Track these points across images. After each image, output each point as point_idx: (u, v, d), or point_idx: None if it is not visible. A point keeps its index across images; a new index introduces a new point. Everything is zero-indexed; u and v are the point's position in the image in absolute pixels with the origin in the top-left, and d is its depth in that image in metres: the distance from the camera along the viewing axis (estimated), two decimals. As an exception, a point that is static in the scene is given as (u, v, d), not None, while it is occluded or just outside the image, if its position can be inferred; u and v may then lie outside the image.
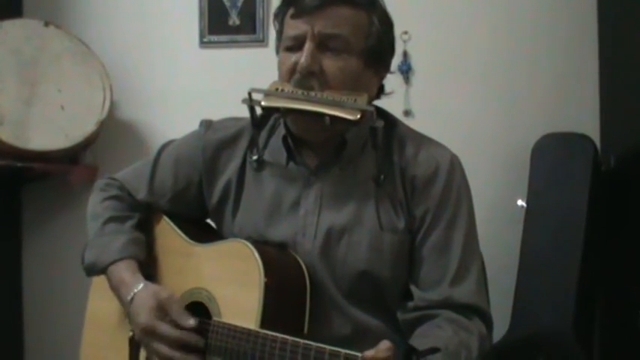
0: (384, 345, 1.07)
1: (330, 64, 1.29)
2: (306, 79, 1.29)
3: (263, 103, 1.30)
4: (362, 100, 1.27)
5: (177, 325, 1.29)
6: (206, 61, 2.75)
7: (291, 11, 1.33)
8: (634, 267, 2.18)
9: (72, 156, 2.57)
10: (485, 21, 2.63)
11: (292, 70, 1.31)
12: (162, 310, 1.31)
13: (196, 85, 2.72)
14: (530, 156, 2.42)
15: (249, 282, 1.24)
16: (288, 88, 1.29)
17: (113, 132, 2.69)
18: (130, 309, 1.35)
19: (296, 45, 1.31)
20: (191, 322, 1.29)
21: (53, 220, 2.77)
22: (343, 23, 1.29)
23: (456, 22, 2.64)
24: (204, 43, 2.75)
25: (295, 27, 1.31)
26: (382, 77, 1.41)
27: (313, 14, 1.29)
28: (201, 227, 1.53)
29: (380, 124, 1.28)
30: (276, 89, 1.30)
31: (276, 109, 1.30)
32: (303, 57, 1.28)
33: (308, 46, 1.28)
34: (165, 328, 1.28)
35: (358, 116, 1.24)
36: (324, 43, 1.29)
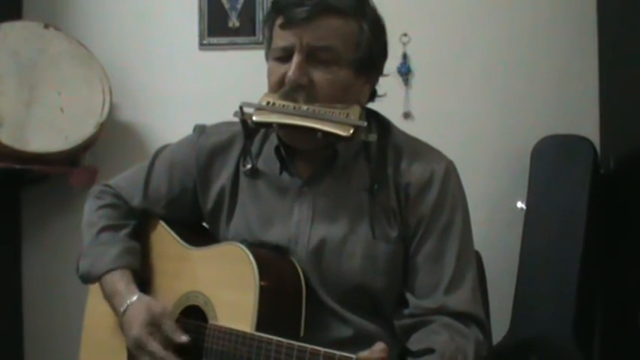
0: (379, 346, 1.07)
1: (320, 76, 1.27)
2: (293, 91, 1.26)
3: (255, 119, 1.28)
4: (354, 114, 1.25)
5: (169, 341, 1.30)
6: (205, 63, 2.76)
7: (279, 20, 1.29)
8: (633, 269, 2.17)
9: (72, 158, 2.57)
10: (484, 23, 2.64)
11: (281, 82, 1.28)
12: (154, 325, 1.31)
13: (196, 87, 2.73)
14: (529, 158, 2.42)
15: (245, 285, 1.24)
16: (279, 101, 1.28)
17: (113, 134, 2.69)
18: (122, 320, 1.36)
19: (285, 56, 1.28)
20: (183, 338, 1.30)
21: (53, 222, 2.77)
22: (333, 35, 1.27)
23: (455, 25, 2.65)
24: (203, 45, 2.75)
25: (284, 38, 1.28)
26: (375, 82, 1.38)
27: (302, 25, 1.25)
28: (197, 231, 1.52)
29: (373, 138, 1.26)
30: (268, 103, 1.28)
31: (269, 125, 1.29)
32: (291, 70, 1.26)
33: (296, 58, 1.26)
34: (154, 346, 1.29)
35: (351, 132, 1.22)
36: (313, 55, 1.26)
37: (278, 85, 1.29)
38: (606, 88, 2.52)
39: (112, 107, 2.59)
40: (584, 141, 2.37)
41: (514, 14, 2.61)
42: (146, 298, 1.37)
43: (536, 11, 2.60)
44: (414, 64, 2.62)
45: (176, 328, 1.32)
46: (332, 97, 1.27)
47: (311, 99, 1.26)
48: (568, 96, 2.58)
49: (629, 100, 2.32)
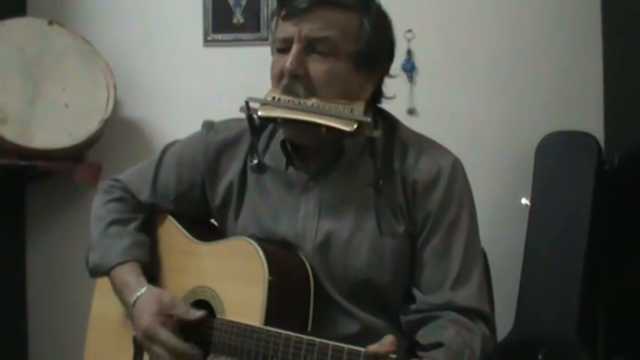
0: (388, 339, 1.07)
1: (316, 67, 1.28)
2: (292, 82, 1.27)
3: (260, 113, 1.29)
4: (358, 110, 1.26)
5: (182, 325, 1.30)
6: (210, 59, 2.75)
7: (282, 12, 1.31)
8: (638, 265, 2.17)
9: (76, 154, 2.58)
10: (489, 20, 2.63)
11: (281, 74, 1.29)
12: (164, 315, 1.31)
13: (200, 84, 2.73)
14: (534, 154, 2.42)
15: (253, 280, 1.24)
16: (283, 96, 1.29)
17: (117, 130, 2.69)
18: (132, 312, 1.36)
19: (285, 47, 1.29)
20: (198, 314, 1.31)
21: (57, 219, 2.77)
22: (331, 26, 1.28)
23: (460, 21, 2.64)
24: (208, 42, 2.75)
25: (284, 29, 1.30)
26: (379, 81, 1.38)
27: (301, 16, 1.27)
28: (205, 226, 1.53)
29: (378, 134, 1.27)
30: (273, 98, 1.29)
31: (273, 119, 1.30)
32: (288, 60, 1.27)
33: (294, 49, 1.27)
34: (165, 335, 1.29)
35: (354, 127, 1.23)
36: (311, 46, 1.28)
37: (279, 77, 1.30)
38: (611, 85, 2.51)
39: (117, 103, 2.59)
40: (588, 137, 2.37)
41: (519, 10, 2.61)
42: (156, 289, 1.38)
43: (540, 8, 2.60)
44: (418, 60, 2.62)
45: (189, 308, 1.33)
46: (330, 90, 1.27)
47: (310, 91, 1.27)
48: (572, 92, 2.58)
49: (634, 96, 2.32)
